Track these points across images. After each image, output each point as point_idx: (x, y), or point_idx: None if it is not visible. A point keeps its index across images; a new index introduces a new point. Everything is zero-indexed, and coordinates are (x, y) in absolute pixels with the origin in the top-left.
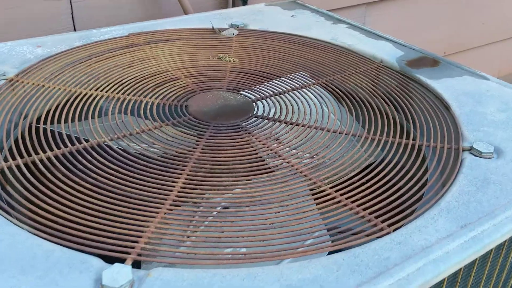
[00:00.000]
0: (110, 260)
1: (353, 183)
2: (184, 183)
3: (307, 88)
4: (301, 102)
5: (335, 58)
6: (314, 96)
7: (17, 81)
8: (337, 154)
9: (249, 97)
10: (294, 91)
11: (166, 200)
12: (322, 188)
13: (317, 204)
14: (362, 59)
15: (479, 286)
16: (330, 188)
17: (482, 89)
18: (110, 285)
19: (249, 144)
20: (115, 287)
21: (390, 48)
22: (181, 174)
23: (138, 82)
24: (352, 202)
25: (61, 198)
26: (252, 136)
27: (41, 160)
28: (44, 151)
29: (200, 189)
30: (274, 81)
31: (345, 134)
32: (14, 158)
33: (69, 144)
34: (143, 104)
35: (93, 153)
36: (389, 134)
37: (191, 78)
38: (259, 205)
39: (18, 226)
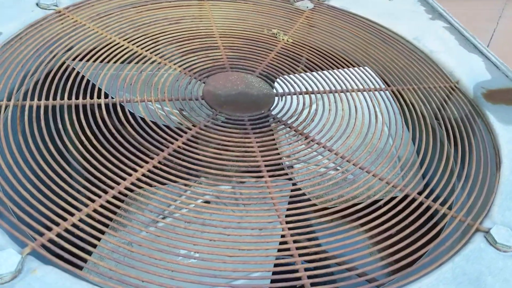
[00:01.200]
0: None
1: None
2: (141, 176)
3: (369, 92)
4: (349, 110)
5: (406, 63)
6: (371, 104)
7: (64, 14)
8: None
9: (277, 90)
10: (346, 93)
11: (111, 189)
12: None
13: None
14: (437, 74)
15: None
16: None
17: None
18: None
19: (243, 148)
20: None
21: (478, 66)
22: (146, 163)
23: (174, 43)
24: None
25: None
26: (249, 139)
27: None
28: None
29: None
30: (324, 73)
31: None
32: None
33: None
34: (162, 70)
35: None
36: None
37: (231, 50)
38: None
39: None
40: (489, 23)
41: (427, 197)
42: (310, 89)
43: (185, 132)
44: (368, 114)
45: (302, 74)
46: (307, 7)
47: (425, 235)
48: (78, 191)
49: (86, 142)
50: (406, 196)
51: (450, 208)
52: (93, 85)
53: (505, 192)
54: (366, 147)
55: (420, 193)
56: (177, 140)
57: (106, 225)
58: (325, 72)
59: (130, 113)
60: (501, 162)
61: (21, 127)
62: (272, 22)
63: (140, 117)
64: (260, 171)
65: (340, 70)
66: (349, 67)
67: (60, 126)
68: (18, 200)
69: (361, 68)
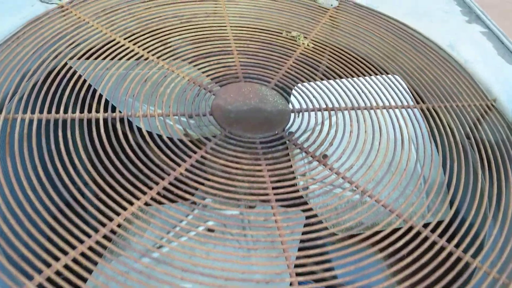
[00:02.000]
0: None
1: None
2: (136, 210)
3: (395, 109)
4: (373, 131)
5: (438, 75)
6: (398, 125)
7: (67, 9)
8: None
9: (293, 104)
10: (370, 110)
11: (95, 233)
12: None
13: None
14: (472, 89)
15: None
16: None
17: None
18: None
19: (253, 175)
20: None
21: None
22: (144, 194)
23: (184, 46)
24: None
25: None
26: (260, 166)
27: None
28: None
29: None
30: (347, 82)
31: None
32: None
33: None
34: (169, 78)
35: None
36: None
37: (245, 56)
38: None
39: None
40: None
41: (452, 238)
42: (330, 104)
43: (190, 157)
44: (394, 135)
45: (323, 82)
46: (331, 5)
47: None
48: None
49: (79, 167)
50: (426, 238)
51: (474, 256)
52: (93, 93)
53: None
54: (390, 176)
55: (443, 235)
56: (179, 166)
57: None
58: (349, 80)
59: (130, 128)
60: None
61: (10, 145)
62: (293, 22)
63: (141, 137)
64: (270, 206)
65: (366, 78)
66: (376, 74)
67: (53, 146)
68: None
69: (389, 76)
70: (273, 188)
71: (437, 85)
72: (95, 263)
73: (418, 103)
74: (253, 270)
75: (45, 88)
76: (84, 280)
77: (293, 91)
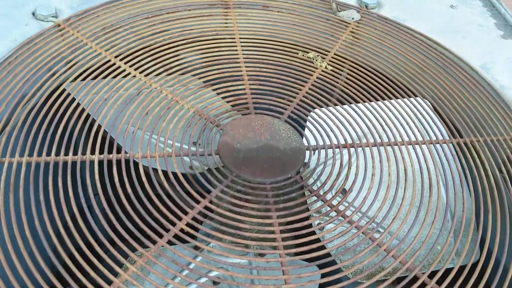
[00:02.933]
0: None
1: None
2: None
3: (430, 144)
4: (397, 173)
5: (471, 104)
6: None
7: (63, 28)
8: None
9: (308, 139)
10: (394, 146)
11: None
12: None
13: None
14: (509, 120)
15: None
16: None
17: None
18: None
19: (261, 234)
20: None
21: None
22: (140, 256)
23: (190, 70)
24: None
25: None
26: (271, 219)
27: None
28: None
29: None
30: (369, 107)
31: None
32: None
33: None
34: (173, 111)
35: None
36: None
37: (257, 82)
38: None
39: None
40: None
41: None
42: (349, 139)
43: (192, 208)
44: (421, 177)
45: (343, 107)
46: (353, 19)
47: None
48: None
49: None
50: None
51: None
52: (88, 133)
53: None
54: (416, 233)
55: None
56: (180, 219)
57: None
58: (371, 104)
59: (128, 172)
60: None
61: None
62: (310, 39)
63: (142, 188)
64: (282, 271)
65: (391, 101)
66: (403, 97)
67: (41, 197)
68: None
69: (417, 99)
70: (284, 248)
71: (469, 115)
72: None
73: (452, 136)
74: None
75: (36, 127)
76: None
77: (308, 122)
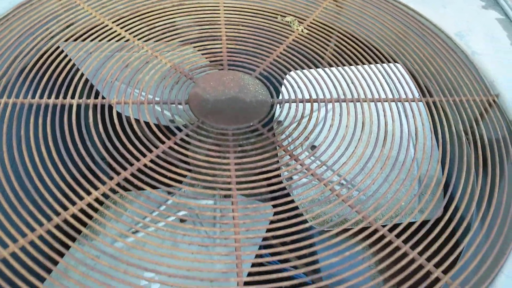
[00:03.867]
0: None
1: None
2: (93, 200)
3: (400, 102)
4: (355, 123)
5: (441, 69)
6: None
7: None
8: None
9: (281, 93)
10: (374, 103)
11: (55, 218)
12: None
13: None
14: (477, 83)
15: None
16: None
17: None
18: None
19: (223, 169)
20: None
21: None
22: (103, 184)
23: (171, 30)
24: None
25: None
26: (228, 159)
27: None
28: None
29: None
30: (346, 69)
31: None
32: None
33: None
34: (150, 64)
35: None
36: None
37: (234, 42)
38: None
39: None
40: None
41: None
42: (321, 95)
43: (157, 147)
44: (392, 135)
45: (317, 70)
46: None
47: None
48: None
49: (44, 153)
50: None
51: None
52: (73, 76)
53: None
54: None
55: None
56: (145, 156)
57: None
58: (346, 68)
59: (108, 113)
60: None
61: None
62: (292, 5)
63: (112, 125)
64: (231, 201)
65: (365, 66)
66: (377, 62)
67: (31, 130)
68: None
69: (390, 65)
70: (237, 183)
71: (440, 77)
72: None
73: (422, 96)
74: (199, 267)
75: (25, 73)
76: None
77: (284, 81)
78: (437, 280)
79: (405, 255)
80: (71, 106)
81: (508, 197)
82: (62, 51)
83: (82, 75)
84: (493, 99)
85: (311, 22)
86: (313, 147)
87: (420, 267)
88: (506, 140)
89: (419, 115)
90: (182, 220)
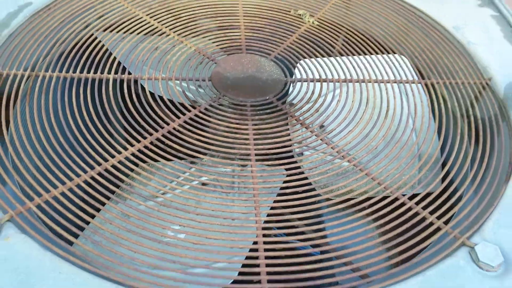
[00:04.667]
0: None
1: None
2: (130, 154)
3: (401, 83)
4: (360, 100)
5: (439, 57)
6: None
7: None
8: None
9: (294, 74)
10: (362, 83)
11: (97, 166)
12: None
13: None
14: (471, 69)
15: None
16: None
17: None
18: None
19: (239, 136)
20: None
21: None
22: (138, 142)
23: (196, 20)
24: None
25: None
26: (246, 125)
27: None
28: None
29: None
30: (353, 59)
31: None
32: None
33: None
34: (177, 48)
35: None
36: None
37: (251, 31)
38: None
39: None
40: None
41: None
42: (330, 76)
43: (184, 114)
44: (394, 109)
45: (327, 58)
46: None
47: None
48: (74, 162)
49: (85, 116)
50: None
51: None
52: (107, 59)
53: (506, 207)
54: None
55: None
56: (174, 121)
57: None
58: (354, 57)
59: (136, 88)
60: None
61: (38, 96)
62: (304, 1)
63: (144, 94)
64: (249, 159)
65: (372, 56)
66: (382, 53)
67: (73, 100)
68: (10, 169)
69: (396, 56)
70: (255, 145)
71: (438, 64)
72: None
73: (422, 77)
74: (223, 209)
75: (68, 53)
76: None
77: (298, 64)
78: (438, 229)
79: (423, 218)
80: (107, 80)
81: (497, 162)
82: (95, 38)
83: (114, 58)
84: (486, 82)
85: (320, 16)
86: (321, 127)
87: (431, 224)
88: (497, 116)
89: (418, 95)
90: (204, 184)
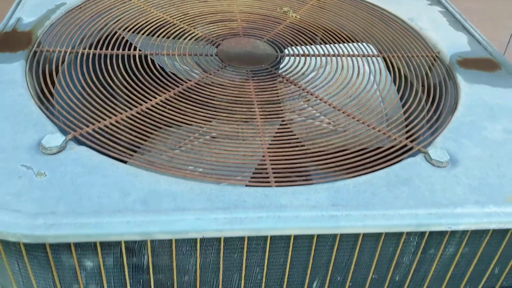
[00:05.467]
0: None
1: None
2: (165, 99)
3: (365, 57)
4: (336, 69)
5: (398, 37)
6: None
7: None
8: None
9: (280, 51)
10: (343, 57)
11: (140, 105)
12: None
13: None
14: (422, 45)
15: None
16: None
17: None
18: (44, 143)
19: (243, 90)
20: (44, 145)
21: (461, 41)
22: (169, 91)
23: (200, 16)
24: None
25: None
26: (248, 83)
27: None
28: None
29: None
30: (328, 45)
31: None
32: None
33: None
34: (187, 34)
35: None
36: None
37: (246, 23)
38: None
39: None
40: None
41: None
42: (312, 53)
43: (200, 76)
44: (352, 71)
45: (308, 46)
46: None
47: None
48: (115, 104)
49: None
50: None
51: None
52: (131, 45)
53: (451, 129)
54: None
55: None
56: (190, 81)
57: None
58: (328, 45)
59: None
60: (456, 109)
61: (80, 65)
62: (287, 3)
63: (162, 66)
64: (253, 106)
65: (344, 44)
66: (353, 42)
67: (108, 67)
68: (71, 104)
69: (364, 44)
70: (256, 95)
71: (396, 44)
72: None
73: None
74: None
75: (98, 39)
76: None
77: (288, 48)
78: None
79: (399, 142)
80: (134, 56)
81: (444, 103)
82: (115, 32)
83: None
84: (436, 55)
85: (301, 13)
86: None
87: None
88: (445, 78)
89: (378, 65)
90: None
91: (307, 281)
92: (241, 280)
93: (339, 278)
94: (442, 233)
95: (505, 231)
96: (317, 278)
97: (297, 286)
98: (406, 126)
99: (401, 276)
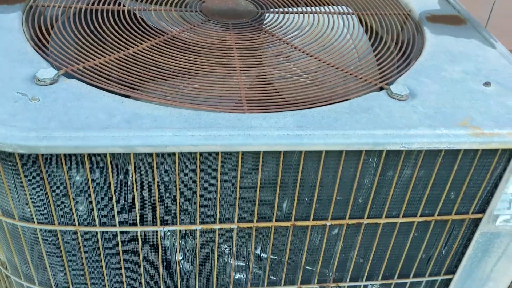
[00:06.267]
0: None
1: None
2: (155, 43)
3: (340, 15)
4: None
5: (376, 2)
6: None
7: None
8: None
9: (261, 8)
10: (323, 15)
11: (127, 49)
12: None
13: None
14: (396, 6)
15: None
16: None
17: (473, 53)
18: (38, 76)
19: (224, 39)
20: (38, 77)
21: (432, 1)
22: (159, 36)
23: None
24: None
25: None
26: (229, 34)
27: None
28: None
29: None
30: (307, 7)
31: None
32: None
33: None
34: None
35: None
36: None
37: None
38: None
39: None
40: None
41: None
42: (291, 10)
43: (184, 27)
44: (327, 26)
45: (289, 7)
46: None
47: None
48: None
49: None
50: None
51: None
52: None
53: (414, 70)
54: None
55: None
56: (178, 29)
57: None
58: (309, 7)
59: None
60: (420, 55)
61: (73, 18)
62: None
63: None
64: (232, 52)
65: (324, 7)
66: (332, 4)
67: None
68: (64, 48)
69: (341, 6)
70: (236, 43)
71: (370, 3)
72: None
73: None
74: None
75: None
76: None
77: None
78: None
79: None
80: (123, 11)
81: (410, 51)
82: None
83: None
84: (408, 13)
85: None
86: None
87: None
88: (414, 35)
89: (352, 21)
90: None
91: (276, 199)
92: (217, 198)
93: (306, 199)
94: (398, 154)
95: (456, 152)
96: (286, 199)
97: (268, 206)
98: (376, 68)
99: (363, 198)
